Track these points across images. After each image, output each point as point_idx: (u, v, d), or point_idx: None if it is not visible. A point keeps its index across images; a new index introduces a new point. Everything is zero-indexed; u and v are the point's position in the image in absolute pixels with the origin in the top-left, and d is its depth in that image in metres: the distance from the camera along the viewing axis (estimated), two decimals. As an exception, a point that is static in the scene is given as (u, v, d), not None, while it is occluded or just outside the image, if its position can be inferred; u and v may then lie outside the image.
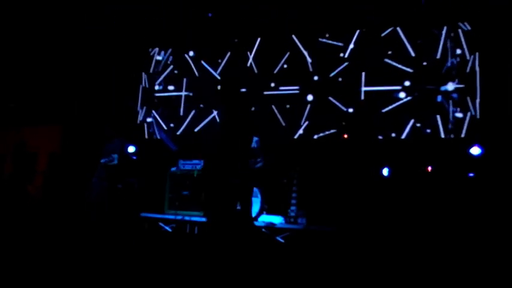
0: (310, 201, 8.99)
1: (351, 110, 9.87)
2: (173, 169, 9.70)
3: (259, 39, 10.52)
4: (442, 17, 9.33)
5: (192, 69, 11.16)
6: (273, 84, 10.46)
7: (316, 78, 10.20)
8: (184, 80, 11.21)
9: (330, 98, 10.02)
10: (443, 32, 9.40)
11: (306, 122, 10.01)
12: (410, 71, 9.47)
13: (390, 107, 9.57)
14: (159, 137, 10.91)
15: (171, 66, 11.47)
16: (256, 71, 10.66)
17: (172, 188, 9.60)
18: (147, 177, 10.07)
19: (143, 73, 11.81)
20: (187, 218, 9.03)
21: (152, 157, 10.56)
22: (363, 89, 9.80)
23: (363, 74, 9.82)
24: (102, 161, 8.76)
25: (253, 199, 8.09)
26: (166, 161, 9.95)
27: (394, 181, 8.87)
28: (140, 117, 11.61)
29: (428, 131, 9.23)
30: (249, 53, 10.74)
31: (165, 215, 9.37)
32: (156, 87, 11.41)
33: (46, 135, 11.66)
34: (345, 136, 9.70)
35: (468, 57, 9.23)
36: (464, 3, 9.14)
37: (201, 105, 10.81)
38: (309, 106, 10.16)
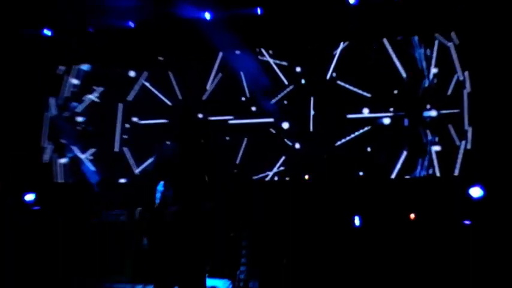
0: (266, 259, 8.14)
1: (297, 146, 9.13)
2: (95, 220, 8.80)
3: (220, 53, 9.77)
4: (422, 30, 8.78)
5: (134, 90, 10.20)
6: (200, 115, 9.60)
7: (254, 108, 9.46)
8: (120, 106, 10.08)
9: (272, 130, 9.29)
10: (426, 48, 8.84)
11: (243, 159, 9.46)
12: (369, 95, 8.94)
13: (345, 140, 8.94)
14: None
15: (96, 90, 10.32)
16: (180, 96, 9.82)
17: (92, 244, 8.57)
18: (57, 232, 8.86)
19: (50, 98, 10.48)
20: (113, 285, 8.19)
21: (64, 206, 9.45)
22: (312, 116, 9.12)
23: (312, 98, 9.16)
24: None
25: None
26: (85, 210, 9.07)
27: (368, 232, 8.09)
28: (47, 156, 10.23)
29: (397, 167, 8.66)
30: (171, 73, 9.94)
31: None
32: (80, 119, 10.25)
33: None
34: (307, 177, 8.86)
35: (455, 77, 8.61)
36: (449, 16, 8.57)
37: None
38: (245, 140, 9.37)
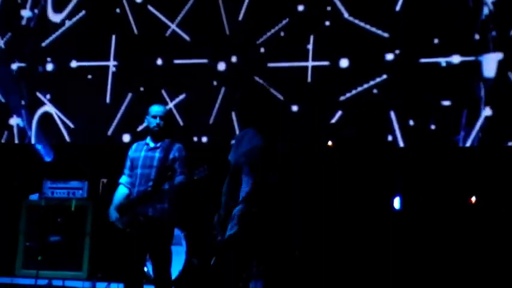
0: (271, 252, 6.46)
1: (295, 108, 7.50)
2: (33, 197, 7.64)
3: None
4: None
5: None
6: (159, 62, 7.88)
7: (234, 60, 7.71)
8: (114, 38, 8.11)
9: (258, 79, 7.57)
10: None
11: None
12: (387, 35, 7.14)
13: (353, 92, 7.20)
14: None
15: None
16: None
17: (31, 230, 7.51)
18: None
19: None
20: (57, 282, 7.23)
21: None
22: (310, 64, 7.44)
23: (311, 37, 7.42)
24: None
25: (174, 248, 6.18)
26: (22, 182, 7.86)
27: (411, 218, 6.97)
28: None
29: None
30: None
31: (16, 279, 7.40)
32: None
33: None
34: (330, 144, 7.26)
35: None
36: None
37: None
38: (222, 90, 7.70)
